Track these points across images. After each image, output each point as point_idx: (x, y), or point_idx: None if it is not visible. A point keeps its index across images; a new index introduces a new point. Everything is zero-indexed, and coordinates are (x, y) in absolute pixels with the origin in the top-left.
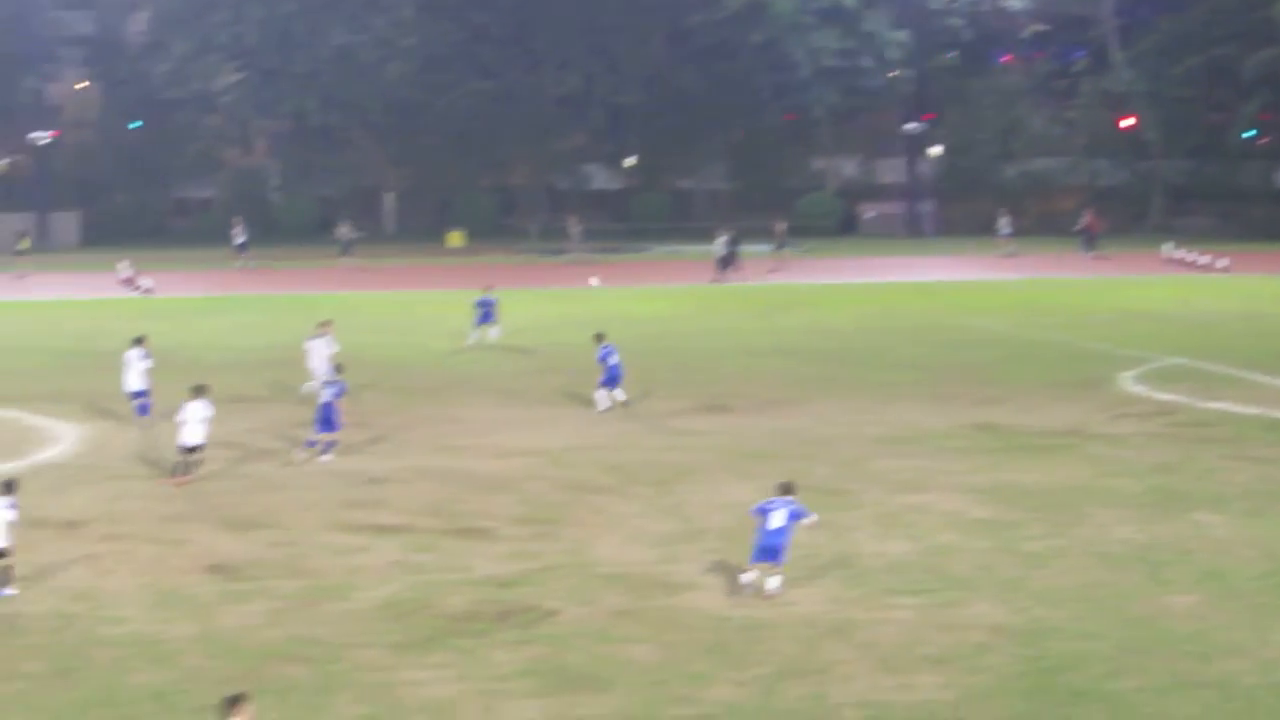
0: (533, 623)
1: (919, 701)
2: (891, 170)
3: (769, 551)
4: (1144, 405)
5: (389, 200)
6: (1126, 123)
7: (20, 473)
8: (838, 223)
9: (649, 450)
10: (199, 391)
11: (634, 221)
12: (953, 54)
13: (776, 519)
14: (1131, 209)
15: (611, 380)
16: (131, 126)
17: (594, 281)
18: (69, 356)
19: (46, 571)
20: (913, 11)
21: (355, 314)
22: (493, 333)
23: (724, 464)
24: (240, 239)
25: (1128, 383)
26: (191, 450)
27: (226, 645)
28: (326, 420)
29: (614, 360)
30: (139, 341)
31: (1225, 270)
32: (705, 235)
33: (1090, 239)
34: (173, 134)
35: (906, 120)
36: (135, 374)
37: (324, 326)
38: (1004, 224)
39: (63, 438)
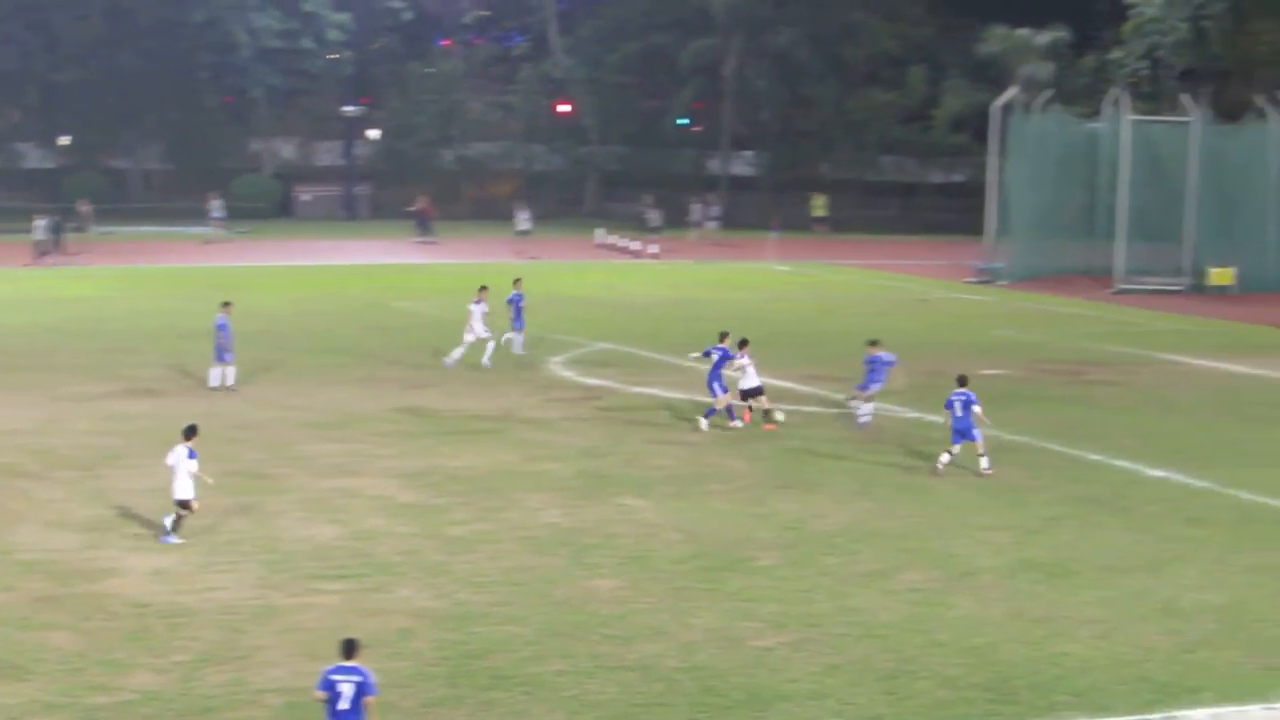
0: None
1: None
2: (330, 153)
3: (963, 434)
4: (572, 390)
5: None
6: (564, 108)
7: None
8: (275, 205)
9: (78, 434)
10: None
11: (67, 201)
12: (392, 37)
13: (959, 407)
14: (567, 194)
15: None
16: None
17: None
18: None
19: None
20: None
21: None
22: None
23: (152, 448)
24: None
25: (557, 367)
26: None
27: None
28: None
29: None
30: None
31: (655, 257)
32: (141, 216)
33: (423, 223)
34: None
35: (346, 103)
36: None
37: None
38: (216, 206)
39: None
